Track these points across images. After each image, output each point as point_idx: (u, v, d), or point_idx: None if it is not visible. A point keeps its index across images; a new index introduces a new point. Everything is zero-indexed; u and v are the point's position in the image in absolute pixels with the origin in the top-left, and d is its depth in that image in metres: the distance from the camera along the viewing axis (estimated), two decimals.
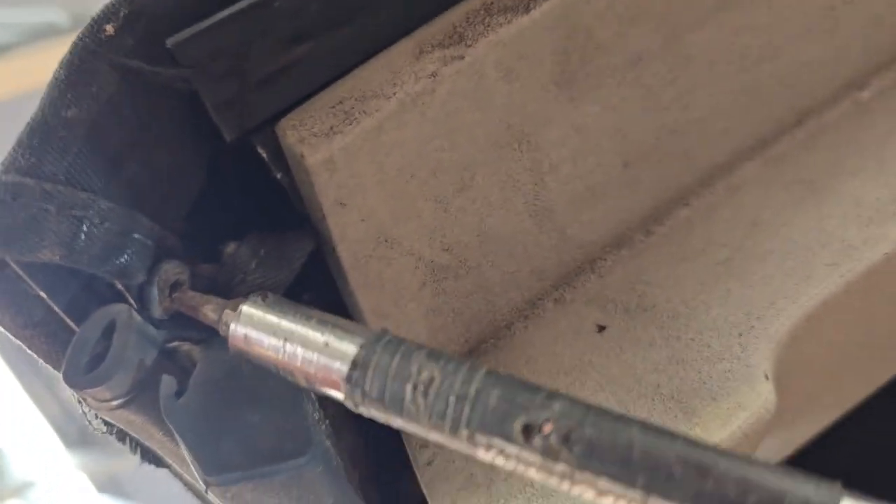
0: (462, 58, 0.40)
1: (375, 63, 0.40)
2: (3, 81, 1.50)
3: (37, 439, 1.77)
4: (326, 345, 0.33)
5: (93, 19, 0.35)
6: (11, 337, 0.36)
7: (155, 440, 0.40)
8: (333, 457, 0.39)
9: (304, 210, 0.42)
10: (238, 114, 0.38)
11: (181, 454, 0.41)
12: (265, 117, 0.39)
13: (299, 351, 0.33)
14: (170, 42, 0.35)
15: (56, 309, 0.36)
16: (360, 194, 0.40)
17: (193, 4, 0.36)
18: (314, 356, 0.33)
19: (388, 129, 0.39)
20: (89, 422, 0.42)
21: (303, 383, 0.34)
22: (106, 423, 0.43)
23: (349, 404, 0.33)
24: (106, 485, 1.86)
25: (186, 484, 0.49)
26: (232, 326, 0.34)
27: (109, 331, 0.36)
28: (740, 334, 0.41)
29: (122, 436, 0.44)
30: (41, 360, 0.38)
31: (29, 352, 0.37)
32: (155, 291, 0.37)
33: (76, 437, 1.78)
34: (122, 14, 0.35)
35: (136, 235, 0.36)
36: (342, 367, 0.32)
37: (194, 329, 0.38)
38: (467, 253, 0.44)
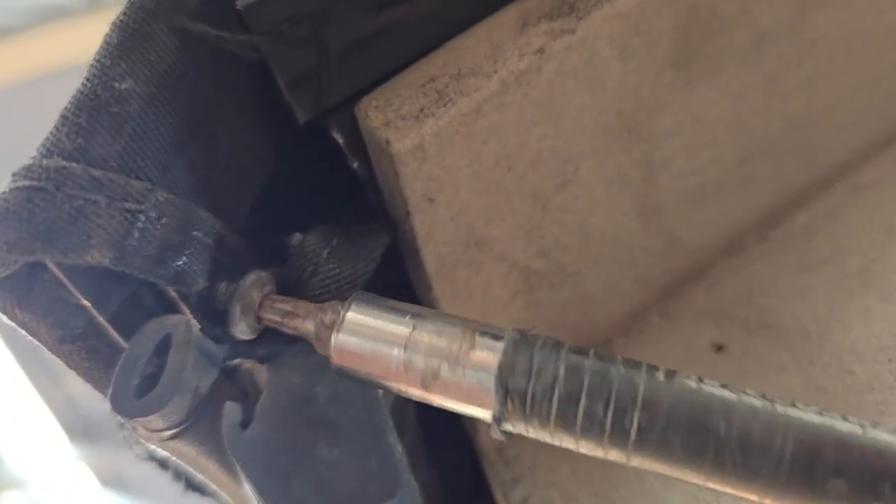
0: (573, 31, 0.34)
1: (472, 36, 0.34)
2: (10, 65, 1.44)
3: (40, 430, 1.71)
4: (463, 349, 0.27)
5: None
6: (48, 351, 0.30)
7: (208, 473, 0.34)
8: (419, 498, 0.33)
9: (382, 206, 0.36)
10: (314, 90, 0.32)
11: (237, 490, 0.35)
12: (345, 95, 0.33)
13: (427, 361, 0.27)
14: (240, 2, 0.29)
15: (100, 320, 0.30)
16: (451, 188, 0.34)
17: None
18: (449, 366, 0.27)
19: (487, 113, 0.34)
20: (131, 447, 0.36)
21: (432, 399, 0.28)
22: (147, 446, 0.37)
23: (495, 419, 0.27)
24: (110, 479, 1.80)
25: None
26: (336, 337, 0.28)
27: (164, 347, 0.30)
28: (890, 360, 0.35)
29: (164, 464, 0.38)
30: (80, 377, 0.32)
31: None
32: (239, 308, 0.31)
33: (80, 429, 1.72)
34: None
35: (195, 233, 0.30)
36: (488, 376, 0.26)
37: (261, 344, 0.33)
38: (566, 258, 0.38)
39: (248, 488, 0.31)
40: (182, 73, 0.29)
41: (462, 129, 0.33)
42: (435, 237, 0.35)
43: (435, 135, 0.33)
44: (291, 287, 0.32)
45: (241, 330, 0.31)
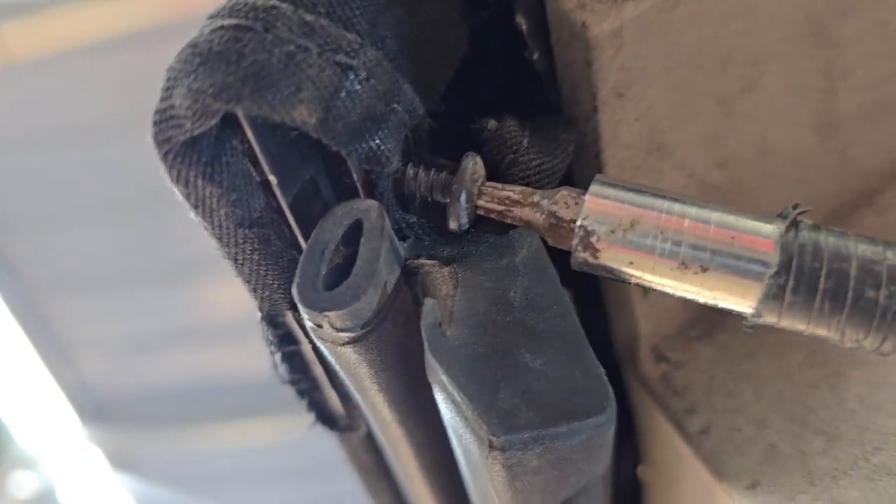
0: None
1: None
2: (33, 42, 1.38)
3: (51, 411, 1.64)
4: (725, 235, 0.24)
5: None
6: (216, 241, 0.26)
7: (368, 394, 0.30)
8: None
9: (558, 105, 0.33)
10: None
11: (388, 416, 0.31)
12: None
13: (685, 249, 0.24)
14: None
15: (279, 204, 0.26)
16: (641, 83, 0.31)
17: None
18: (709, 254, 0.24)
19: (687, 1, 0.30)
20: (275, 366, 0.32)
21: (687, 290, 0.25)
22: (292, 370, 0.33)
23: (759, 306, 0.24)
24: (121, 461, 1.74)
25: (359, 462, 0.39)
26: (579, 226, 0.24)
27: (353, 235, 0.26)
28: None
29: (302, 391, 0.34)
30: (241, 280, 0.28)
31: (232, 265, 0.27)
32: (464, 195, 0.27)
33: (92, 411, 1.65)
34: None
35: (395, 106, 0.26)
36: (754, 263, 0.23)
37: (446, 244, 0.29)
38: (743, 172, 0.35)
39: (441, 397, 0.27)
40: None
41: (661, 17, 0.30)
42: (619, 138, 0.32)
43: (634, 20, 0.29)
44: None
45: (461, 220, 0.27)
